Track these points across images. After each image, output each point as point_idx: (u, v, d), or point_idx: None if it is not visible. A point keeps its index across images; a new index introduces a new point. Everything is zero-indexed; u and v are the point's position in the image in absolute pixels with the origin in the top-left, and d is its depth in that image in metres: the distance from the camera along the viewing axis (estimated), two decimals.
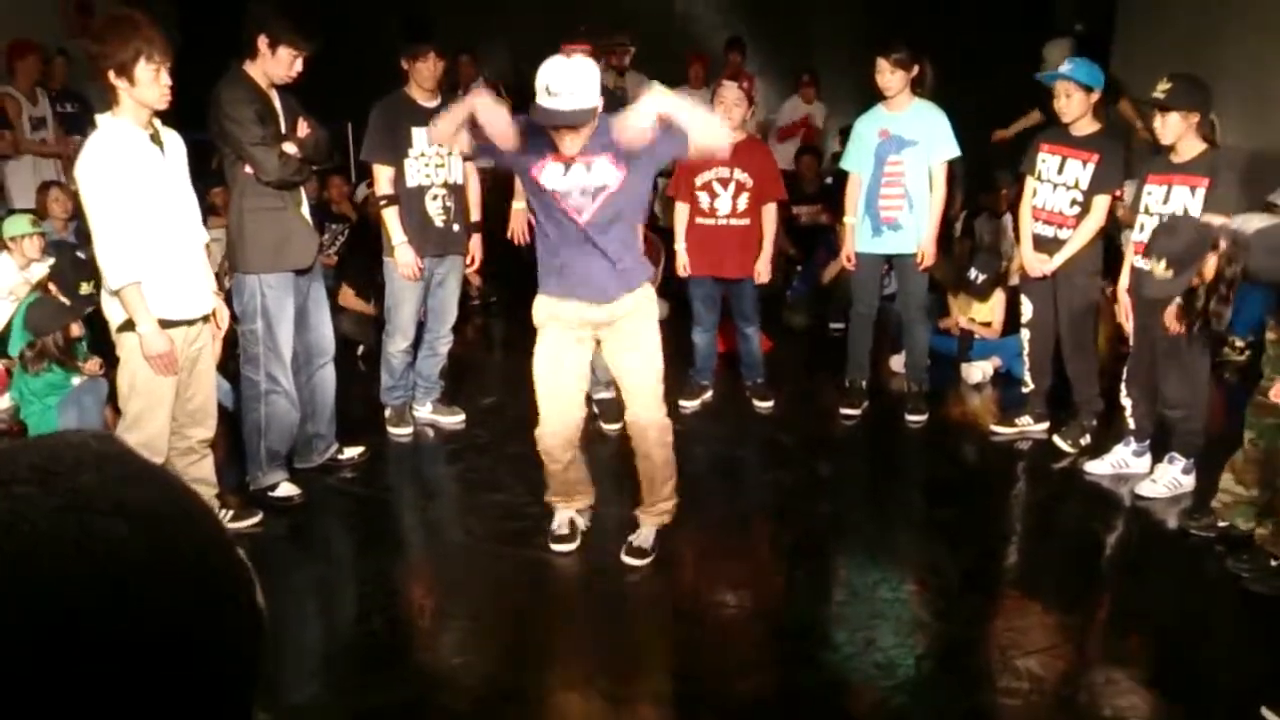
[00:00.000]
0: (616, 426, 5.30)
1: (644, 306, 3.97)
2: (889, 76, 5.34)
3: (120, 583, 0.59)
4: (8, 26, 7.52)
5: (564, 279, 3.88)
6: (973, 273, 6.52)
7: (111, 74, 3.75)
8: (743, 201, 5.64)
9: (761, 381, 6.03)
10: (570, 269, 3.86)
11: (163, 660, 0.59)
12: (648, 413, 4.04)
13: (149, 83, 3.73)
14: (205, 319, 4.18)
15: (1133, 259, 4.72)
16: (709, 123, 3.72)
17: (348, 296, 6.88)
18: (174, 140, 4.04)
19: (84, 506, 0.60)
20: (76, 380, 5.10)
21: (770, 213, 5.72)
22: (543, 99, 3.50)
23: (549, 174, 3.76)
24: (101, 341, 4.96)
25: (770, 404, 5.97)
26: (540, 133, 3.65)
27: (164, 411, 4.06)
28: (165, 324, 3.94)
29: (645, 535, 4.23)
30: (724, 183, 5.63)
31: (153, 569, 0.60)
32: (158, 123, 3.96)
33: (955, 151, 5.45)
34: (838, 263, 7.46)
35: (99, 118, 3.89)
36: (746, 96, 5.62)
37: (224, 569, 0.65)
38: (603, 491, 4.48)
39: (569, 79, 3.46)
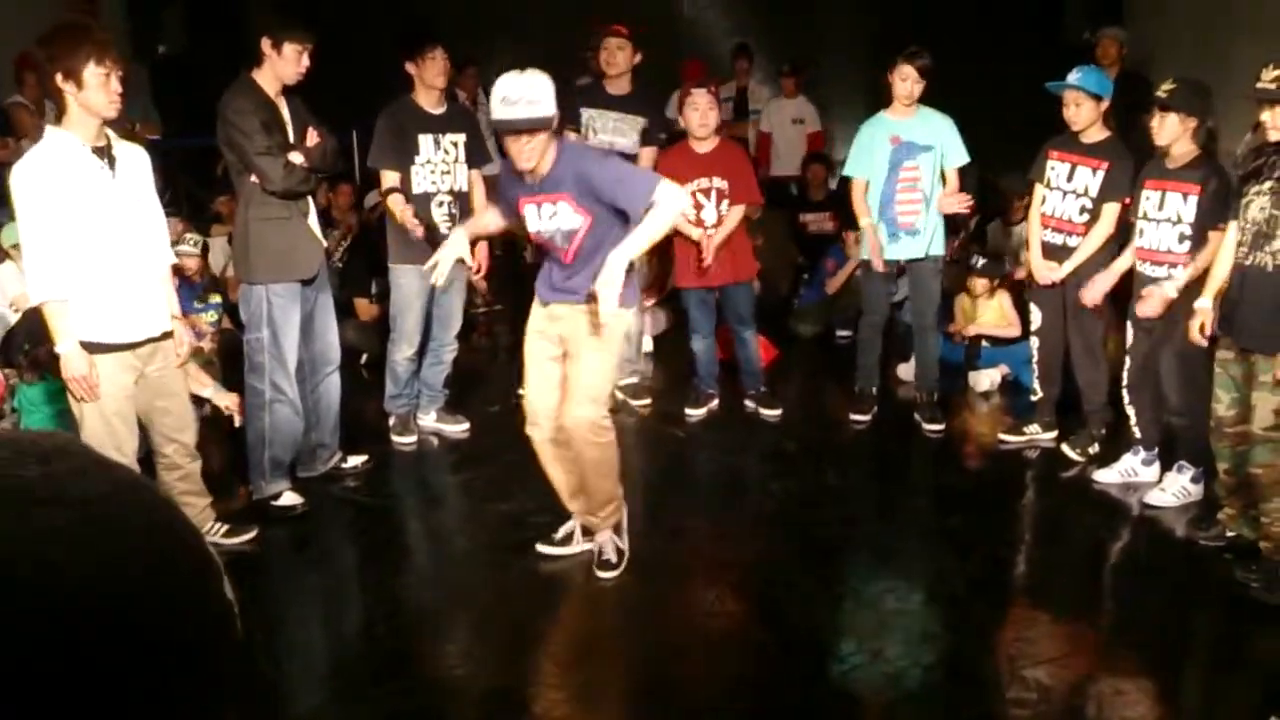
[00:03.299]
0: (643, 403, 6.06)
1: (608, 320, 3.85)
2: (914, 85, 5.35)
3: (56, 568, 0.57)
4: (13, 39, 7.54)
5: (543, 281, 4.01)
6: (975, 259, 6.54)
7: (59, 77, 3.59)
8: (725, 208, 5.63)
9: (764, 390, 6.00)
10: (549, 278, 3.97)
11: (111, 647, 0.58)
12: (578, 408, 3.89)
13: (97, 88, 3.58)
14: (163, 338, 3.99)
15: (1136, 265, 4.71)
16: (663, 218, 3.69)
17: (363, 307, 6.89)
18: (131, 156, 3.87)
19: (25, 497, 0.59)
20: None
21: (735, 212, 5.61)
22: (498, 109, 3.60)
23: (528, 218, 3.87)
24: None
25: (778, 412, 5.93)
26: (512, 178, 3.75)
27: (117, 439, 3.83)
28: (104, 347, 3.76)
29: (605, 544, 4.13)
30: (706, 193, 5.61)
31: (95, 557, 0.59)
32: (111, 135, 3.80)
33: (966, 158, 5.47)
34: (844, 272, 7.44)
35: (46, 129, 3.75)
36: (716, 100, 5.62)
37: (181, 557, 0.64)
38: None
39: (523, 88, 3.55)
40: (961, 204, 5.46)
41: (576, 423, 3.90)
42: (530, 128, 3.58)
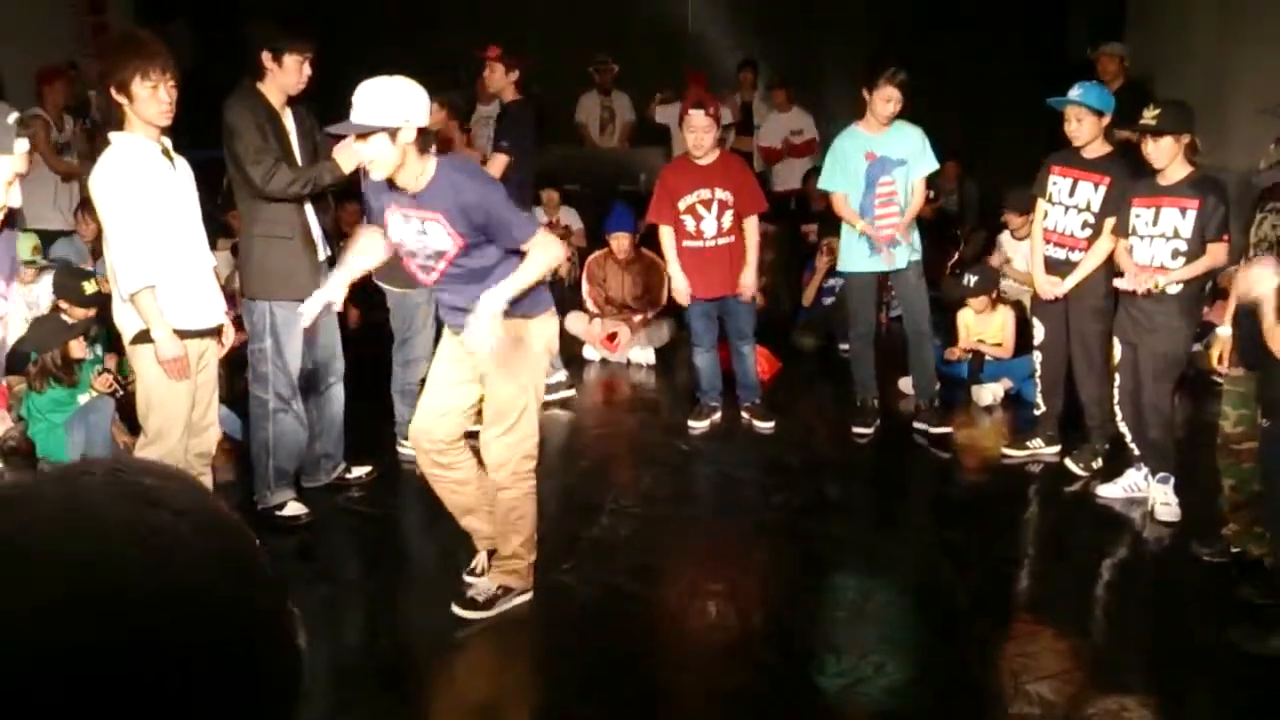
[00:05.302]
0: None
1: (513, 336, 3.62)
2: (896, 106, 5.43)
3: (158, 562, 0.62)
4: (28, 48, 7.60)
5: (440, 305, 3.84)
6: (966, 278, 6.55)
7: (113, 90, 3.80)
8: (728, 220, 5.65)
9: (760, 402, 6.01)
10: (441, 302, 3.81)
11: (216, 661, 0.62)
12: (485, 450, 3.74)
13: (146, 99, 3.76)
14: (213, 333, 4.16)
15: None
16: (539, 266, 3.52)
17: (354, 317, 6.89)
18: (182, 162, 4.07)
19: (142, 498, 0.64)
20: (83, 398, 5.11)
21: (752, 226, 5.70)
22: None
23: (391, 223, 3.68)
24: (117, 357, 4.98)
25: (770, 425, 5.93)
26: (385, 182, 3.56)
27: (181, 424, 4.06)
28: (177, 334, 3.93)
29: (482, 586, 3.91)
30: (706, 204, 5.64)
31: (192, 557, 0.63)
32: (167, 142, 3.98)
33: (935, 165, 5.62)
34: (813, 284, 7.58)
35: (112, 135, 3.92)
36: (714, 120, 5.65)
37: (260, 577, 0.68)
38: (607, 516, 4.46)
39: (360, 94, 3.40)
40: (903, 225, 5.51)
41: (492, 456, 3.74)
42: (348, 131, 3.47)
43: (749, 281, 5.68)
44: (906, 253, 5.54)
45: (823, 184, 5.83)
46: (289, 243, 4.47)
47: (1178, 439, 4.79)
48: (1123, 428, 4.89)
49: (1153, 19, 8.63)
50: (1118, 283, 4.72)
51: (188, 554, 0.63)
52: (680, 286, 5.72)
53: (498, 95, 6.04)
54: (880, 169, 5.50)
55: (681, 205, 5.65)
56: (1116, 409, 4.89)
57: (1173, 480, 4.71)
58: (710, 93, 8.19)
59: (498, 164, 5.73)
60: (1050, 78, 7.14)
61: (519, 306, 3.58)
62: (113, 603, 0.59)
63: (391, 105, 3.37)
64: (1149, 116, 4.51)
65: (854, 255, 5.64)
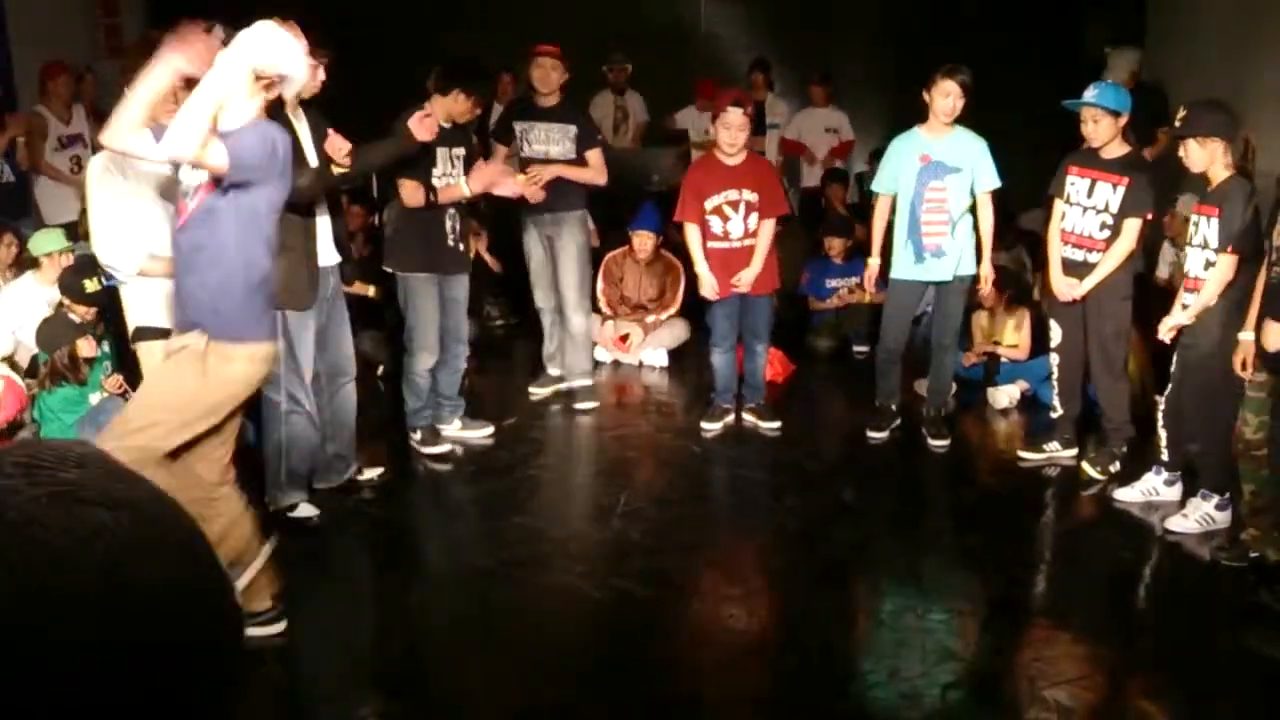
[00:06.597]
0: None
1: (192, 351, 3.39)
2: (956, 101, 5.28)
3: (109, 567, 0.60)
4: (42, 49, 7.63)
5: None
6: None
7: (127, 89, 3.79)
8: (753, 221, 5.62)
9: (764, 403, 5.98)
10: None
11: (149, 644, 0.61)
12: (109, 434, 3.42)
13: None
14: None
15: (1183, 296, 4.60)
16: (185, 111, 3.20)
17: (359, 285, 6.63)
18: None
19: (71, 496, 0.61)
20: (95, 398, 5.10)
21: (767, 228, 5.66)
22: None
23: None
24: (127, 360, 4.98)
25: (775, 425, 5.89)
26: None
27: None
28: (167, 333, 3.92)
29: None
30: (734, 205, 5.60)
31: (139, 556, 0.62)
32: None
33: (997, 182, 5.41)
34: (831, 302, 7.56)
35: None
36: (749, 120, 5.61)
37: (206, 562, 0.67)
38: (618, 518, 4.43)
39: (261, 25, 3.38)
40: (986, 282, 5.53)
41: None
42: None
43: (748, 279, 5.62)
44: (953, 267, 5.45)
45: (874, 185, 5.77)
46: (291, 252, 4.45)
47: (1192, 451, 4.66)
48: (1161, 431, 4.80)
49: (1171, 20, 8.57)
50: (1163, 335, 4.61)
51: (133, 552, 0.62)
52: (708, 282, 5.65)
53: (554, 94, 6.01)
54: (932, 173, 5.38)
55: (709, 205, 5.61)
56: (1159, 414, 4.82)
57: (1216, 498, 4.52)
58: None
59: (597, 157, 5.97)
60: (1067, 79, 7.09)
61: (228, 326, 3.36)
62: (61, 611, 0.59)
63: (276, 53, 3.41)
64: (1178, 119, 4.43)
65: (901, 262, 5.52)
